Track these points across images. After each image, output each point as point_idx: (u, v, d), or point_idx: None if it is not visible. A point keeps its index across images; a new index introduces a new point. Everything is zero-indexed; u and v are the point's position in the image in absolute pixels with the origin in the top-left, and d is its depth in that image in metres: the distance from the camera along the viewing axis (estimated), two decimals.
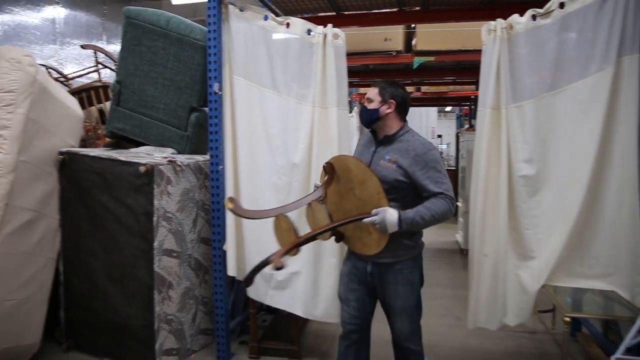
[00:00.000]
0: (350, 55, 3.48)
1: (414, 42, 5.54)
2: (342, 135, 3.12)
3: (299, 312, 3.19)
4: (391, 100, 2.37)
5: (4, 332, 2.92)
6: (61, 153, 3.35)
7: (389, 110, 2.37)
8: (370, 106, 2.40)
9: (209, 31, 3.22)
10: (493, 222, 2.91)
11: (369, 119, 2.41)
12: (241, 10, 3.22)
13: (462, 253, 6.76)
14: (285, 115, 3.18)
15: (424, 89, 8.95)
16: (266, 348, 3.46)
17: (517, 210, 2.87)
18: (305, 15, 4.07)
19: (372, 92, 2.41)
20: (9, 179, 2.92)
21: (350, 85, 7.79)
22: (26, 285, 3.09)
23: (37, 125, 3.16)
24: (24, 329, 3.10)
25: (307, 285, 3.14)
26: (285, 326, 3.57)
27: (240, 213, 2.45)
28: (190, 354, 3.45)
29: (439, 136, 17.94)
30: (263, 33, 3.22)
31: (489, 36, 2.88)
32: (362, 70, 6.81)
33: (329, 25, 3.12)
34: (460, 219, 7.19)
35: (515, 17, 2.83)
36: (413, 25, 5.46)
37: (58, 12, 6.42)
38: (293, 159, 3.14)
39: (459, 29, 4.97)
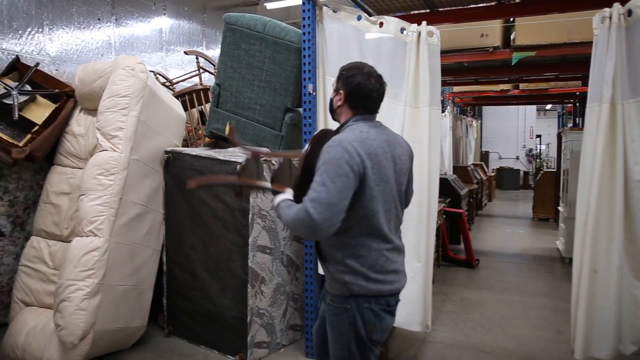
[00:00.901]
0: (444, 52, 3.38)
1: (512, 36, 5.26)
2: (433, 135, 3.04)
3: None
4: (341, 90, 1.92)
5: (116, 314, 3.21)
6: (166, 152, 3.61)
7: (339, 103, 1.93)
8: (330, 96, 2.02)
9: (304, 33, 3.29)
10: (606, 234, 2.61)
11: (330, 112, 2.04)
12: (334, 12, 3.25)
13: (563, 261, 6.28)
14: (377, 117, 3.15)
15: (522, 86, 8.47)
16: None
17: (634, 219, 2.57)
18: (398, 14, 4.02)
19: (334, 80, 2.00)
20: (122, 175, 3.21)
21: (444, 84, 7.61)
22: (135, 273, 3.37)
23: (147, 127, 3.43)
24: (133, 312, 3.38)
25: None
26: None
27: (235, 141, 2.34)
28: (280, 348, 3.55)
29: (538, 136, 16.84)
30: (356, 33, 3.22)
31: (603, 24, 2.64)
32: (456, 68, 6.60)
33: (424, 23, 3.05)
34: (562, 225, 6.69)
35: (636, 1, 2.55)
36: (512, 19, 5.18)
37: (164, 22, 6.95)
38: None
39: (564, 19, 4.62)
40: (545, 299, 4.79)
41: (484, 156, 15.72)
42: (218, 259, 3.39)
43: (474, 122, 12.49)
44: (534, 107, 16.34)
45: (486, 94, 9.35)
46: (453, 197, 7.00)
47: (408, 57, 3.04)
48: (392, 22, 3.12)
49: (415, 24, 3.06)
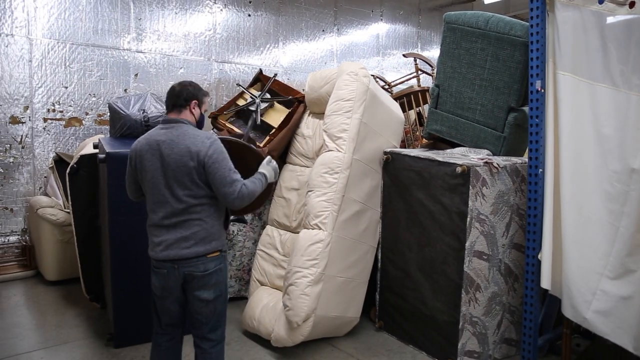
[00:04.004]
0: None
1: None
2: None
3: (628, 346, 2.67)
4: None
5: (334, 303, 3.47)
6: (385, 152, 3.74)
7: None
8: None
9: (531, 25, 3.04)
10: None
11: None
12: None
13: None
14: (624, 113, 2.71)
15: None
16: None
17: None
18: None
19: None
20: (345, 174, 3.45)
21: None
22: (353, 267, 3.59)
23: (368, 128, 3.62)
24: (349, 303, 3.60)
25: None
26: (605, 358, 3.08)
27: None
28: None
29: None
30: (595, 19, 2.83)
31: None
32: None
33: None
34: None
35: None
36: None
37: (381, 28, 7.25)
38: (632, 163, 2.65)
39: None
40: None
41: None
42: (433, 260, 3.37)
43: None
44: None
45: None
46: None
47: None
48: None
49: None
